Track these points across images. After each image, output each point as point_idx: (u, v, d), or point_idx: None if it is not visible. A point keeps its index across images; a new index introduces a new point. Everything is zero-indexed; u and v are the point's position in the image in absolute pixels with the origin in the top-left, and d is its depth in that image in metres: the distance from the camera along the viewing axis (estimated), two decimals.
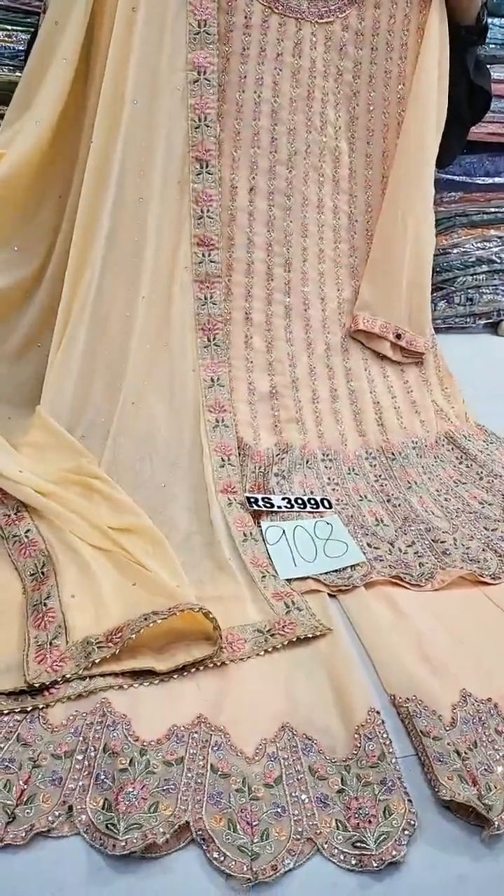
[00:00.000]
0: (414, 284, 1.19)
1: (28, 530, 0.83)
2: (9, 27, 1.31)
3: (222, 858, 0.50)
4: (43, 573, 0.76)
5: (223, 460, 0.98)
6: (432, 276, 1.22)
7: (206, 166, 1.01)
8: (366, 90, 1.14)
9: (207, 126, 1.00)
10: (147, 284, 1.00)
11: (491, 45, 1.63)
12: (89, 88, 1.00)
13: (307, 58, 1.09)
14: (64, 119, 0.96)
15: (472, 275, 1.90)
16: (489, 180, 1.82)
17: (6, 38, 1.31)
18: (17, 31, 1.32)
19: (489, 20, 1.58)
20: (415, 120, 1.12)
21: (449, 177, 1.74)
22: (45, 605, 0.72)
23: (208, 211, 1.02)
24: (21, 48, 1.32)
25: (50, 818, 0.52)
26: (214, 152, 1.01)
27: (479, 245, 1.89)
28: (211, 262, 1.03)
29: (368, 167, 1.18)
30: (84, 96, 1.00)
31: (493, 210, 1.87)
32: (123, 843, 0.49)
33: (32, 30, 1.30)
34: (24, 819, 0.51)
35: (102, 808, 0.52)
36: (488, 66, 1.59)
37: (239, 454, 1.03)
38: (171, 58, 0.97)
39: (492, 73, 1.63)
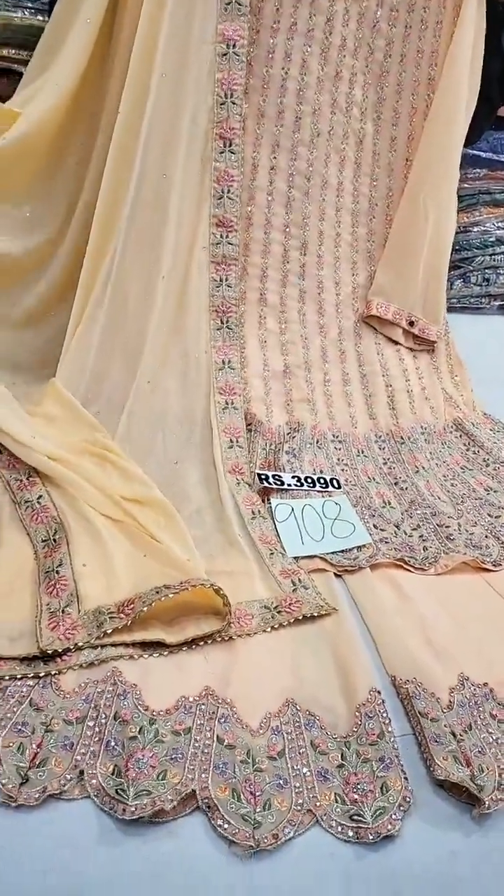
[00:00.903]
0: (431, 272, 1.17)
1: (40, 496, 0.83)
2: None
3: (226, 826, 0.51)
4: (55, 540, 0.76)
5: (231, 441, 0.98)
6: (450, 253, 1.20)
7: (230, 145, 0.99)
8: (396, 70, 1.10)
9: (234, 103, 0.97)
10: (167, 264, 0.98)
11: None
12: (113, 53, 0.96)
13: (338, 34, 1.05)
14: (84, 82, 0.93)
15: (490, 255, 1.86)
16: None
17: None
18: None
19: None
20: (444, 103, 1.08)
21: (475, 152, 1.69)
22: (57, 572, 0.72)
23: (229, 191, 1.00)
24: None
25: (62, 781, 0.53)
26: (239, 131, 0.99)
27: (500, 225, 1.84)
28: (228, 243, 1.01)
29: (392, 150, 1.15)
30: (107, 60, 0.97)
31: None
32: (133, 809, 0.50)
33: None
34: (38, 781, 0.52)
35: (112, 774, 0.53)
36: None
37: (250, 430, 1.02)
38: (201, 28, 0.94)
39: None
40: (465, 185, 1.79)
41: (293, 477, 0.96)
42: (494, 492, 1.01)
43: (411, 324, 1.19)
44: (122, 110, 0.93)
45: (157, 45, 0.92)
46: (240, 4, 0.94)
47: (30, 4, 1.29)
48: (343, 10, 1.04)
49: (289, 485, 0.94)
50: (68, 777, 0.53)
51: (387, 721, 0.60)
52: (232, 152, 0.99)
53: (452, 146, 1.11)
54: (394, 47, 1.08)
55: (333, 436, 1.09)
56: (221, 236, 1.02)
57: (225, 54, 0.96)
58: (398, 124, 1.13)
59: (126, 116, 0.94)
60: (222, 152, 0.99)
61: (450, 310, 1.74)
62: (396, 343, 1.19)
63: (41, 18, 1.30)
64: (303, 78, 1.05)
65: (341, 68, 1.07)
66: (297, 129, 1.08)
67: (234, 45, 0.95)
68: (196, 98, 0.96)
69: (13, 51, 1.32)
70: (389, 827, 0.52)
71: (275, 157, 1.08)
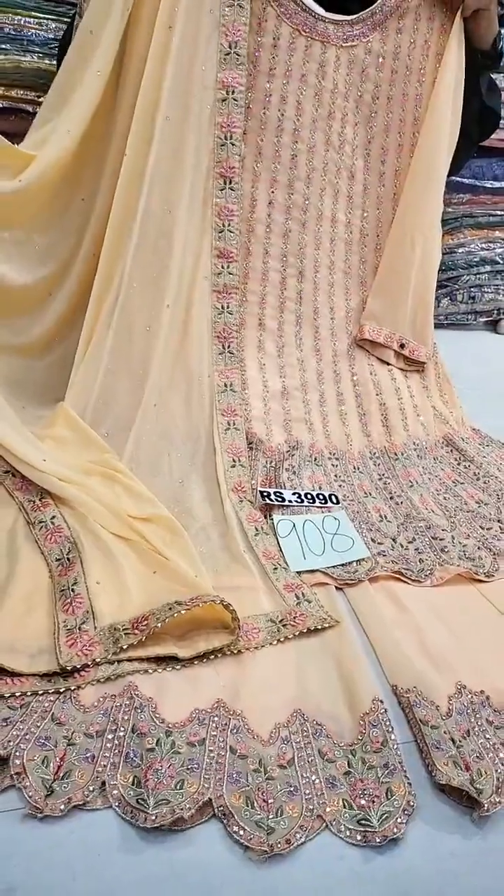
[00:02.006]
0: (419, 298, 1.19)
1: (53, 516, 0.84)
2: (40, 15, 1.32)
3: (241, 832, 0.52)
4: (69, 559, 0.77)
5: (234, 461, 0.99)
6: (437, 274, 1.23)
7: (230, 182, 1.01)
8: (383, 111, 1.13)
9: (233, 144, 1.00)
10: (172, 293, 1.00)
11: None
12: (120, 99, 0.99)
13: (330, 79, 1.08)
14: (93, 127, 0.96)
15: (475, 274, 1.90)
16: (497, 184, 1.82)
17: (37, 26, 1.31)
18: (48, 19, 1.32)
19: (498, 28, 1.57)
20: (428, 142, 1.11)
21: (458, 179, 1.74)
22: (72, 590, 0.73)
23: (229, 225, 1.02)
24: (50, 36, 1.32)
25: (85, 792, 0.54)
26: (238, 169, 1.01)
27: (483, 246, 1.89)
28: (229, 273, 1.04)
29: (381, 184, 1.18)
30: (113, 105, 0.99)
31: (499, 213, 1.87)
32: (153, 817, 0.51)
33: (63, 19, 1.30)
34: (62, 792, 0.53)
35: (132, 785, 0.54)
36: (500, 74, 1.59)
37: (251, 448, 1.04)
38: (202, 77, 0.96)
39: (503, 84, 1.63)
40: (450, 210, 1.84)
41: (293, 493, 0.97)
42: (485, 504, 1.03)
43: (402, 346, 1.21)
44: (129, 152, 0.96)
45: (160, 92, 0.94)
46: (238, 54, 0.97)
47: (37, 49, 1.33)
48: (334, 58, 1.07)
49: (290, 501, 0.96)
50: (91, 788, 0.54)
51: (390, 729, 0.61)
52: (232, 189, 1.02)
53: (436, 181, 1.14)
54: (381, 91, 1.12)
55: (330, 453, 1.11)
56: (222, 267, 1.04)
57: (224, 100, 0.99)
58: (386, 160, 1.16)
59: (132, 157, 0.96)
60: (223, 189, 1.02)
61: (438, 326, 1.77)
62: (388, 364, 1.21)
63: (48, 62, 1.34)
64: (298, 119, 1.08)
65: (334, 109, 1.10)
66: (293, 165, 1.10)
67: (233, 92, 0.98)
68: (198, 140, 0.98)
69: (22, 92, 1.36)
70: (395, 830, 0.53)
71: (272, 192, 1.11)
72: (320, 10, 1.05)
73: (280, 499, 0.95)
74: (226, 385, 1.04)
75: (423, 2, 1.08)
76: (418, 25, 1.09)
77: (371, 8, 1.07)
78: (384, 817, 0.54)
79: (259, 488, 0.96)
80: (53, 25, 1.32)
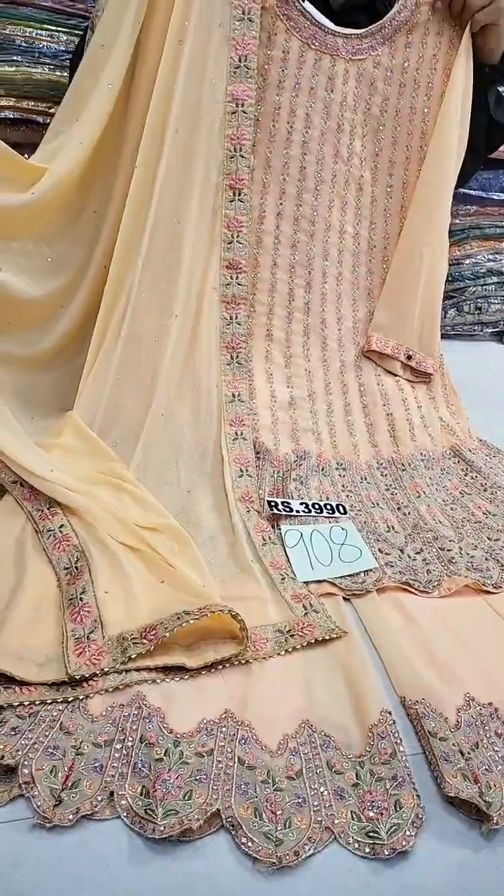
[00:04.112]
0: (426, 310, 1.20)
1: (62, 525, 0.85)
2: (52, 27, 1.34)
3: (249, 843, 0.52)
4: (77, 568, 0.78)
5: (241, 471, 1.00)
6: (444, 284, 1.24)
7: (239, 194, 1.03)
8: (391, 124, 1.15)
9: (242, 157, 1.01)
10: (180, 304, 1.01)
11: None
12: (130, 111, 1.01)
13: (339, 92, 1.09)
14: (104, 139, 0.97)
15: (482, 285, 1.92)
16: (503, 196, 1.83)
17: (48, 38, 1.34)
18: (59, 32, 1.34)
19: None
20: (435, 155, 1.13)
21: (465, 191, 1.76)
22: (81, 599, 0.74)
23: (238, 236, 1.04)
24: (62, 49, 1.34)
25: (93, 802, 0.54)
26: (247, 181, 1.02)
27: (490, 257, 1.91)
28: (238, 284, 1.05)
29: (389, 197, 1.19)
30: (124, 118, 1.01)
31: None
32: (162, 828, 0.51)
33: (74, 32, 1.33)
34: (71, 802, 0.53)
35: (141, 795, 0.54)
36: None
37: (259, 458, 1.04)
38: (211, 90, 0.98)
39: None
40: (457, 221, 1.86)
41: (301, 503, 0.98)
42: (493, 515, 1.03)
43: (409, 357, 1.22)
44: (139, 164, 0.97)
45: (171, 105, 0.96)
46: (248, 68, 0.99)
47: (49, 61, 1.36)
48: (343, 71, 1.09)
49: (297, 511, 0.96)
50: (99, 798, 0.54)
51: (398, 741, 0.61)
52: (241, 201, 1.03)
53: (443, 194, 1.15)
54: (389, 104, 1.13)
55: (338, 463, 1.11)
56: (231, 278, 1.05)
57: (234, 112, 1.00)
58: (393, 173, 1.18)
59: (142, 169, 0.98)
60: (232, 201, 1.03)
61: (444, 337, 1.78)
62: (395, 375, 1.22)
63: (59, 74, 1.36)
64: (307, 131, 1.10)
65: (342, 122, 1.11)
66: (301, 177, 1.12)
67: (242, 105, 1.00)
68: (207, 152, 1.00)
69: (32, 103, 1.39)
70: (404, 843, 0.53)
71: (281, 204, 1.12)
72: (329, 24, 1.07)
73: (288, 509, 0.96)
74: (234, 395, 1.05)
75: (431, 17, 1.10)
76: (427, 40, 1.11)
77: (380, 22, 1.09)
78: (393, 830, 0.54)
79: (267, 498, 0.97)
80: (65, 38, 1.35)
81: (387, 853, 0.53)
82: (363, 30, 1.09)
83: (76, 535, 0.82)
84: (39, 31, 1.33)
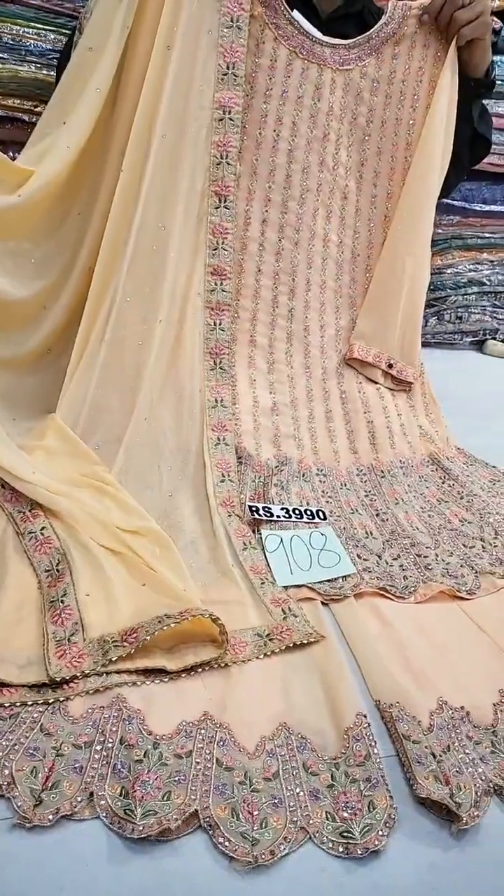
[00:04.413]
0: (407, 320, 1.23)
1: (43, 527, 0.85)
2: (40, 26, 1.34)
3: (226, 843, 0.54)
4: (58, 570, 0.79)
5: (223, 476, 1.01)
6: (426, 294, 1.26)
7: (224, 201, 1.04)
8: (377, 134, 1.17)
9: (228, 164, 1.03)
10: (165, 309, 1.02)
11: (498, 82, 1.67)
12: (117, 115, 1.01)
13: (325, 101, 1.11)
14: (91, 143, 0.98)
15: (462, 295, 1.96)
16: (486, 207, 1.87)
17: (36, 37, 1.34)
18: (47, 30, 1.35)
19: (497, 57, 1.64)
20: (420, 166, 1.15)
21: (448, 201, 1.79)
22: (62, 601, 0.74)
23: (223, 243, 1.05)
24: (48, 47, 1.34)
25: (73, 803, 0.55)
26: (233, 188, 1.04)
27: (471, 267, 1.95)
28: (223, 290, 1.06)
29: (373, 206, 1.21)
30: (111, 122, 1.02)
31: (487, 235, 1.93)
32: (141, 828, 0.53)
33: (62, 31, 1.33)
34: (51, 803, 0.54)
35: (120, 796, 0.56)
36: (492, 100, 1.65)
37: (241, 463, 1.06)
38: (199, 96, 0.99)
39: (495, 108, 1.69)
40: (439, 231, 1.89)
41: (282, 508, 0.99)
42: (469, 523, 1.06)
43: (390, 366, 1.24)
44: (125, 168, 0.98)
45: (158, 110, 0.97)
46: (235, 75, 1.00)
47: (35, 59, 1.36)
48: (330, 80, 1.11)
49: (278, 516, 0.98)
50: (79, 799, 0.55)
51: (373, 743, 0.63)
52: (226, 208, 1.05)
53: (427, 205, 1.18)
54: (375, 114, 1.16)
55: (318, 469, 1.13)
56: (216, 284, 1.06)
57: (221, 119, 1.01)
58: (378, 183, 1.20)
59: (128, 173, 0.99)
60: (217, 207, 1.04)
61: (425, 345, 1.81)
62: (376, 383, 1.25)
63: (46, 72, 1.36)
64: (293, 139, 1.12)
65: (328, 131, 1.14)
66: (287, 185, 1.14)
67: (229, 112, 1.01)
68: (194, 158, 1.01)
69: (18, 101, 1.39)
70: (376, 842, 0.55)
71: (266, 211, 1.14)
72: (317, 34, 1.09)
73: (268, 514, 0.97)
74: (216, 401, 1.07)
75: (418, 30, 1.12)
76: (413, 52, 1.14)
77: (367, 33, 1.11)
78: (366, 830, 0.56)
79: (248, 503, 0.98)
80: (52, 37, 1.35)
81: (360, 853, 0.55)
82: (351, 40, 1.11)
83: (58, 538, 0.83)
84: (27, 29, 1.33)
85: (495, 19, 1.63)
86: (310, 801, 0.58)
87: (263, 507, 0.98)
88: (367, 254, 1.23)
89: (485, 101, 1.26)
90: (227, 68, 1.00)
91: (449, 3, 1.07)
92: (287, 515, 0.98)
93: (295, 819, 0.56)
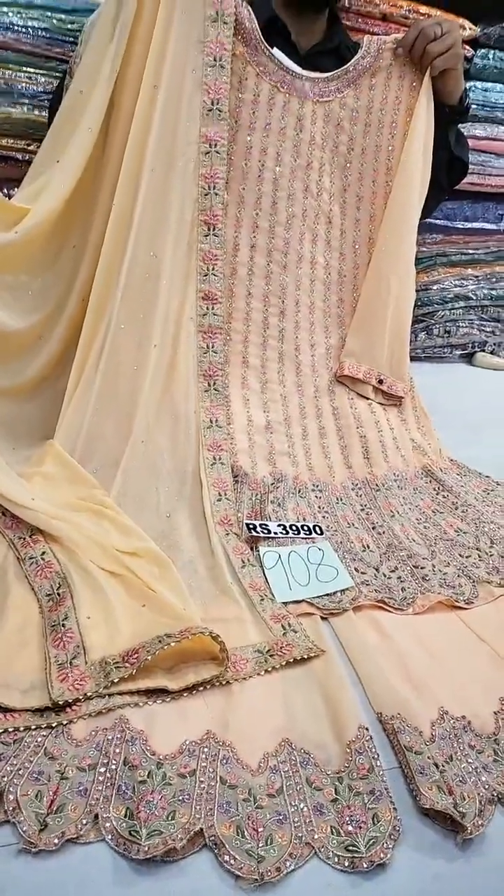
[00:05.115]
0: (395, 337, 1.24)
1: (44, 552, 0.85)
2: (31, 70, 1.37)
3: (232, 861, 0.53)
4: (59, 594, 0.79)
5: (220, 494, 1.01)
6: (413, 309, 1.28)
7: (213, 229, 1.06)
8: (358, 161, 1.20)
9: (216, 194, 1.05)
10: (158, 334, 1.04)
11: (473, 106, 1.72)
12: (108, 152, 1.04)
13: (307, 132, 1.14)
14: (83, 179, 1.00)
15: (450, 309, 1.98)
16: (468, 225, 1.90)
17: (27, 80, 1.37)
18: (37, 74, 1.38)
19: (471, 83, 1.68)
20: (400, 190, 1.18)
21: (431, 220, 1.82)
22: (63, 625, 0.74)
23: (213, 269, 1.07)
24: (40, 89, 1.37)
25: (78, 826, 0.54)
26: (221, 217, 1.06)
27: (457, 283, 1.97)
28: (214, 314, 1.08)
29: (357, 229, 1.24)
30: (102, 158, 1.04)
31: (470, 251, 1.96)
32: (146, 848, 0.52)
33: (53, 73, 1.36)
34: (56, 827, 0.54)
35: (125, 817, 0.55)
36: (468, 123, 1.69)
37: (237, 481, 1.06)
38: (185, 131, 1.02)
39: (472, 130, 1.73)
40: (424, 249, 1.92)
41: (279, 525, 1.00)
42: (464, 533, 1.06)
43: (380, 381, 1.26)
44: (117, 201, 1.00)
45: (147, 145, 0.99)
46: (220, 110, 1.03)
47: (27, 101, 1.39)
48: (311, 112, 1.14)
49: (275, 533, 0.98)
50: (84, 822, 0.55)
51: (375, 756, 0.63)
52: (216, 235, 1.07)
53: (408, 226, 1.20)
54: (355, 142, 1.18)
55: (314, 485, 1.14)
56: (207, 308, 1.08)
57: (208, 153, 1.04)
58: (361, 207, 1.23)
59: (120, 206, 1.01)
60: (207, 235, 1.06)
61: (416, 359, 1.83)
62: (367, 398, 1.26)
63: (38, 113, 1.39)
64: (278, 169, 1.14)
65: (311, 160, 1.16)
66: (273, 212, 1.16)
67: (215, 145, 1.04)
68: (182, 190, 1.03)
69: (12, 141, 1.42)
70: (382, 855, 0.55)
71: (254, 237, 1.16)
72: (297, 69, 1.12)
73: (266, 531, 0.98)
74: (211, 421, 1.07)
75: (394, 62, 1.16)
76: (390, 83, 1.17)
77: (345, 67, 1.15)
78: (371, 843, 0.56)
79: (245, 521, 0.98)
80: (43, 79, 1.38)
81: (365, 866, 0.54)
82: (329, 74, 1.14)
83: (58, 562, 0.83)
84: (18, 73, 1.36)
85: (467, 47, 1.67)
86: (314, 815, 0.58)
87: (261, 525, 0.98)
88: (353, 274, 1.25)
89: (460, 127, 1.29)
90: (212, 104, 1.03)
91: (421, 36, 1.10)
92: (284, 532, 0.99)
93: (300, 834, 0.56)
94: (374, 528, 1.06)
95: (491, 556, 0.99)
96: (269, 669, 0.73)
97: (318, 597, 0.87)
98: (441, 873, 0.55)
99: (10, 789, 0.56)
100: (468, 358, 2.10)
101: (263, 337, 1.20)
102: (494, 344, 2.09)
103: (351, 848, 0.55)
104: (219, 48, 1.02)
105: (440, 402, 1.40)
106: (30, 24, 1.34)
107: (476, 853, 0.57)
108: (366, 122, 1.17)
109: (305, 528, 1.01)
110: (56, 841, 0.53)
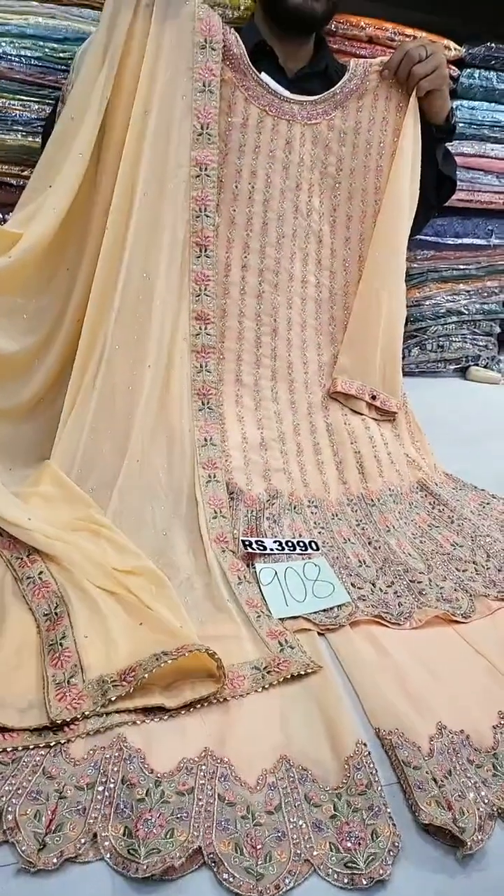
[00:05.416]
0: (387, 353, 1.27)
1: (41, 572, 0.86)
2: (24, 98, 1.41)
3: (231, 879, 0.53)
4: (57, 614, 0.79)
5: (216, 512, 1.02)
6: (406, 325, 1.30)
7: (205, 250, 1.09)
8: (346, 181, 1.23)
9: (207, 216, 1.08)
10: (153, 355, 1.06)
11: (460, 124, 1.77)
12: (100, 177, 1.07)
13: (296, 153, 1.17)
14: (76, 204, 1.03)
15: (442, 324, 2.01)
16: (458, 241, 1.94)
17: (21, 108, 1.40)
18: (30, 101, 1.41)
19: (458, 102, 1.73)
20: (389, 209, 1.21)
21: (422, 237, 1.86)
22: (61, 645, 0.75)
23: (205, 289, 1.09)
24: (33, 117, 1.41)
25: (77, 845, 0.55)
26: (212, 238, 1.09)
27: (448, 298, 2.00)
28: (207, 334, 1.10)
29: (347, 248, 1.26)
30: (94, 183, 1.07)
31: (461, 267, 1.99)
32: (145, 867, 0.52)
33: (46, 101, 1.40)
34: (54, 846, 0.54)
35: (123, 835, 0.55)
36: (456, 141, 1.73)
37: (233, 498, 1.07)
38: (176, 155, 1.05)
39: (460, 148, 1.78)
40: (415, 265, 1.95)
41: (275, 541, 1.00)
42: (460, 546, 1.07)
43: (373, 397, 1.27)
44: (110, 225, 1.03)
45: (138, 170, 1.02)
46: (209, 135, 1.06)
47: (21, 128, 1.43)
48: (300, 134, 1.17)
49: (271, 549, 0.99)
50: (83, 841, 0.55)
51: (374, 771, 0.63)
52: (207, 256, 1.09)
53: (398, 244, 1.23)
54: (344, 163, 1.22)
55: (309, 501, 1.15)
56: (200, 328, 1.10)
57: (198, 176, 1.07)
58: (351, 226, 1.25)
59: (113, 229, 1.03)
60: (199, 257, 1.09)
61: (410, 374, 1.85)
62: (361, 414, 1.27)
63: (31, 139, 1.43)
64: (268, 190, 1.17)
65: (301, 181, 1.19)
66: (264, 232, 1.19)
67: (206, 168, 1.07)
68: (174, 213, 1.06)
69: (6, 167, 1.45)
70: (381, 871, 0.55)
71: (246, 257, 1.19)
72: (285, 93, 1.15)
73: (262, 547, 0.98)
74: (206, 439, 1.09)
75: (380, 83, 1.19)
76: (377, 104, 1.20)
77: (332, 90, 1.18)
78: (370, 859, 0.56)
79: (241, 538, 0.99)
80: (36, 107, 1.42)
81: (365, 882, 0.54)
82: (317, 96, 1.18)
83: (55, 581, 0.84)
84: (12, 101, 1.40)
85: (452, 67, 1.72)
86: (313, 832, 0.58)
87: (256, 541, 0.99)
88: (344, 292, 1.28)
89: (447, 145, 1.32)
90: (202, 129, 1.06)
91: (406, 59, 1.14)
92: (280, 548, 0.99)
93: (299, 852, 0.56)
94: (370, 544, 1.06)
95: (488, 569, 1.00)
96: (267, 686, 0.74)
97: (314, 613, 0.87)
98: (441, 889, 0.55)
99: (9, 809, 0.56)
100: (462, 372, 2.13)
101: (256, 355, 1.22)
102: (488, 358, 2.12)
103: (350, 864, 0.55)
104: (207, 74, 1.05)
105: (435, 416, 1.42)
106: (23, 53, 1.38)
107: (476, 869, 0.57)
108: (353, 143, 1.21)
109: (301, 544, 1.01)
110: (55, 860, 0.53)
